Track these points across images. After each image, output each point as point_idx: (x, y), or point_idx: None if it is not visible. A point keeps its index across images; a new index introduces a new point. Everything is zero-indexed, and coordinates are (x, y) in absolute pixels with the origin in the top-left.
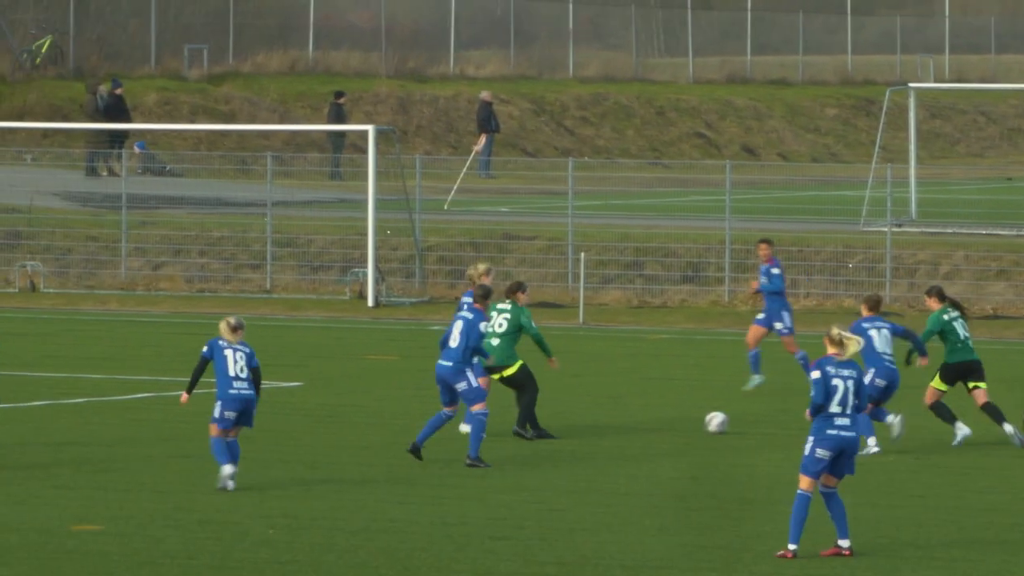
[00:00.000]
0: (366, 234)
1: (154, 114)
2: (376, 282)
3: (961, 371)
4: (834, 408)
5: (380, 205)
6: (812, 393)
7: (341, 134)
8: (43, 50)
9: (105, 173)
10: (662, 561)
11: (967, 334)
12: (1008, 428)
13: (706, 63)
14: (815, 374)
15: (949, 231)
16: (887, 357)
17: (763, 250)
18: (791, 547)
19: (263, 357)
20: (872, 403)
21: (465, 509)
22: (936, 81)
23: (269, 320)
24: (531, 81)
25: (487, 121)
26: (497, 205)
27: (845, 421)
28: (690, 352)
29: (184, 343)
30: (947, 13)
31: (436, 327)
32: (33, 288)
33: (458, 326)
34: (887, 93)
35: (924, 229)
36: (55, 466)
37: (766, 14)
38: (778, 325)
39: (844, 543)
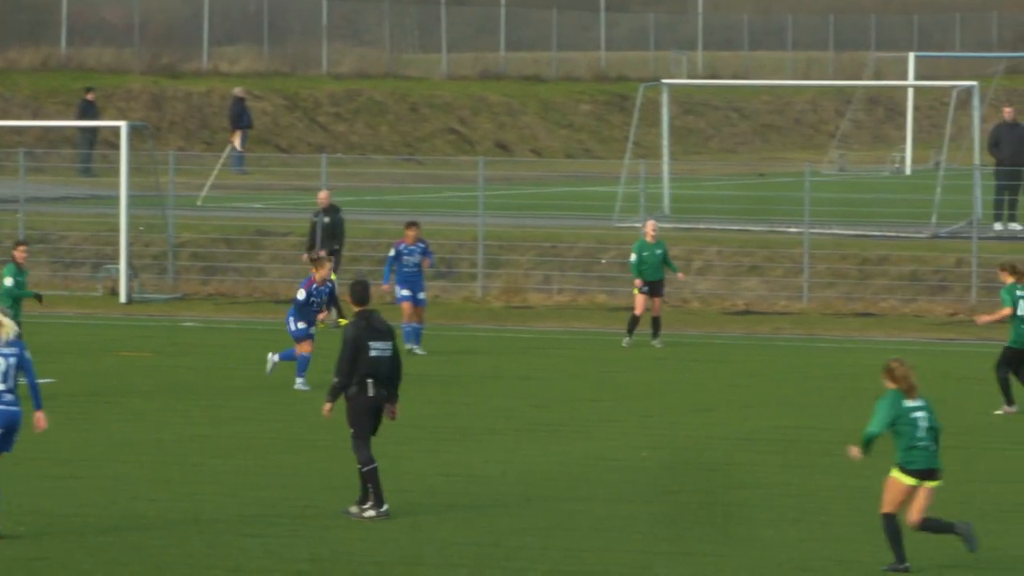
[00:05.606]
0: (119, 230)
1: None
2: (129, 278)
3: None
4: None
5: (133, 201)
6: None
7: (92, 130)
8: None
9: None
10: (414, 558)
11: None
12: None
13: (460, 59)
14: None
15: (702, 227)
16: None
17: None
18: None
19: None
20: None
21: (218, 505)
22: (689, 77)
23: (21, 316)
24: (284, 77)
25: (240, 117)
26: (250, 201)
27: (10, 396)
28: (443, 348)
29: None
30: (700, 10)
31: (189, 323)
32: None
33: None
34: (640, 89)
35: (677, 225)
36: None
37: (520, 10)
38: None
39: None
